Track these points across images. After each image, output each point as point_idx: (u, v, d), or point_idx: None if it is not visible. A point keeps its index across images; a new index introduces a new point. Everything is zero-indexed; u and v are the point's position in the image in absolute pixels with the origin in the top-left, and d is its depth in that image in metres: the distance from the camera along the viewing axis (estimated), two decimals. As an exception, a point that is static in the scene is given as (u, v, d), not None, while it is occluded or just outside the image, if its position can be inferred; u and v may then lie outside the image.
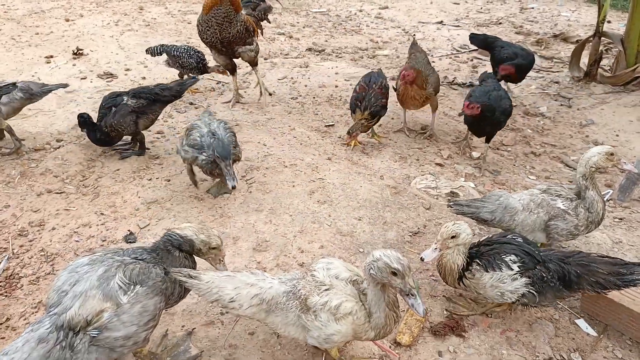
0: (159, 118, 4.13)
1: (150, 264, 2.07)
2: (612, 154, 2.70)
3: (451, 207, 2.94)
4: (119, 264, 1.99)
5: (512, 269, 2.36)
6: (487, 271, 2.40)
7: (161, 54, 5.13)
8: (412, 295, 1.93)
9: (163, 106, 4.00)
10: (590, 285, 2.33)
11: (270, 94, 5.24)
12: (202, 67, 5.04)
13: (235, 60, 4.71)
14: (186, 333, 2.48)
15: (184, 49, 5.06)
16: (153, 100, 3.84)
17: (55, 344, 1.79)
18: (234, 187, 3.15)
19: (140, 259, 2.08)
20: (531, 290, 2.37)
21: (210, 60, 5.01)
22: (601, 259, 2.38)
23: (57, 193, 3.53)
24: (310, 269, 2.20)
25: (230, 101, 5.00)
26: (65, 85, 4.29)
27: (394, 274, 1.91)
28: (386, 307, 2.04)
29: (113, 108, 3.77)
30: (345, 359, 2.36)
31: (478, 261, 2.44)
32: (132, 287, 1.95)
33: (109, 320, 1.86)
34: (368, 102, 4.08)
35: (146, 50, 5.26)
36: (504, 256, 2.40)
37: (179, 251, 2.20)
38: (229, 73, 4.86)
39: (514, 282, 2.36)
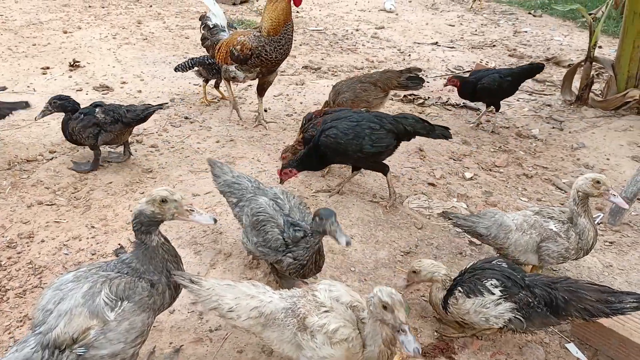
0: (153, 132, 4.13)
1: (136, 278, 2.01)
2: (598, 182, 2.65)
3: (450, 220, 3.03)
4: (104, 279, 1.94)
5: (493, 294, 2.35)
6: (468, 297, 2.40)
7: (193, 67, 5.16)
8: (403, 331, 1.87)
9: (125, 127, 3.89)
10: (578, 312, 2.30)
11: (265, 110, 5.26)
12: None
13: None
14: (174, 350, 2.44)
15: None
16: (116, 119, 3.79)
17: None
18: None
19: (124, 273, 2.02)
20: (517, 316, 2.34)
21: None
22: (590, 286, 2.36)
23: (48, 205, 3.50)
24: (312, 288, 2.17)
25: (236, 114, 4.99)
26: (25, 105, 3.96)
27: (384, 307, 1.87)
28: (382, 344, 1.98)
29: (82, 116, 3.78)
30: None
31: (460, 288, 2.44)
32: (119, 303, 1.90)
33: (96, 338, 1.82)
34: (308, 126, 3.96)
35: (175, 69, 5.24)
36: (485, 281, 2.39)
37: (155, 237, 2.07)
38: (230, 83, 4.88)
39: (497, 307, 2.35)
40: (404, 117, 3.58)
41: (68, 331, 1.79)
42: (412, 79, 4.49)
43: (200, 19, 5.06)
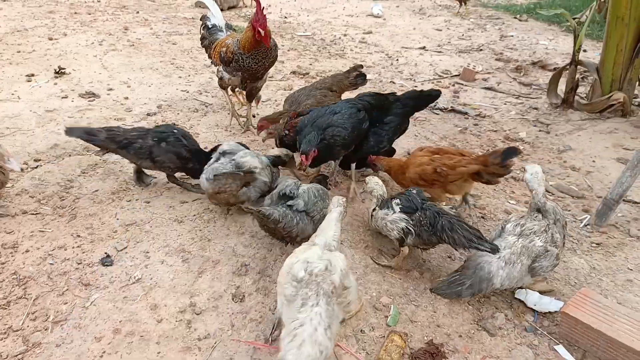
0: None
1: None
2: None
3: (436, 293, 2.93)
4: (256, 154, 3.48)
5: (394, 209, 3.00)
6: (380, 209, 3.09)
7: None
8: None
9: None
10: (448, 238, 2.78)
11: (254, 116, 5.25)
12: None
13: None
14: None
15: None
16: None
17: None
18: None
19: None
20: (409, 227, 2.90)
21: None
22: (466, 225, 2.79)
23: (33, 214, 3.45)
24: (299, 276, 2.25)
25: (235, 121, 5.05)
26: None
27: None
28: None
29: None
30: None
31: (380, 205, 3.14)
32: (265, 165, 3.40)
33: (259, 172, 3.37)
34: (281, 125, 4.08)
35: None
36: (393, 200, 3.07)
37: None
38: (223, 88, 4.91)
39: (393, 215, 2.97)
40: (363, 95, 3.91)
41: (251, 164, 3.30)
42: (358, 76, 4.65)
43: (201, 19, 5.11)
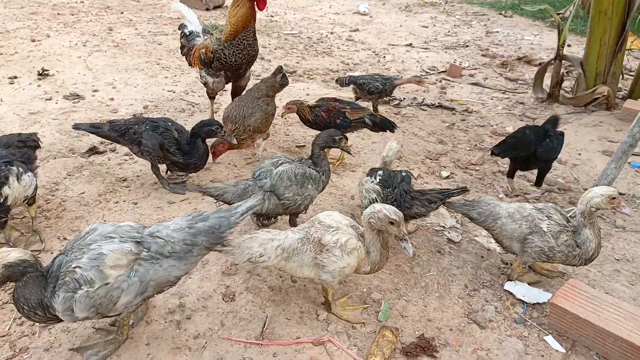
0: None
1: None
2: (614, 198, 2.68)
3: (446, 207, 3.22)
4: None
5: (375, 179, 3.18)
6: (367, 176, 3.29)
7: (349, 85, 5.14)
8: (405, 240, 2.41)
9: None
10: (406, 215, 2.97)
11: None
12: (390, 88, 5.07)
13: None
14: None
15: (369, 75, 5.11)
16: None
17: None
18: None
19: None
20: (377, 199, 3.06)
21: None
22: (423, 198, 3.08)
23: (18, 217, 3.40)
24: (315, 219, 2.56)
25: None
26: None
27: (392, 223, 2.37)
28: (381, 247, 2.50)
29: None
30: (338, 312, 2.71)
31: (368, 172, 3.37)
32: None
33: None
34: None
35: (335, 81, 5.26)
36: (378, 171, 3.24)
37: None
38: (211, 98, 4.86)
39: (370, 184, 3.15)
40: None
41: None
42: (283, 77, 4.56)
43: (179, 28, 5.03)
